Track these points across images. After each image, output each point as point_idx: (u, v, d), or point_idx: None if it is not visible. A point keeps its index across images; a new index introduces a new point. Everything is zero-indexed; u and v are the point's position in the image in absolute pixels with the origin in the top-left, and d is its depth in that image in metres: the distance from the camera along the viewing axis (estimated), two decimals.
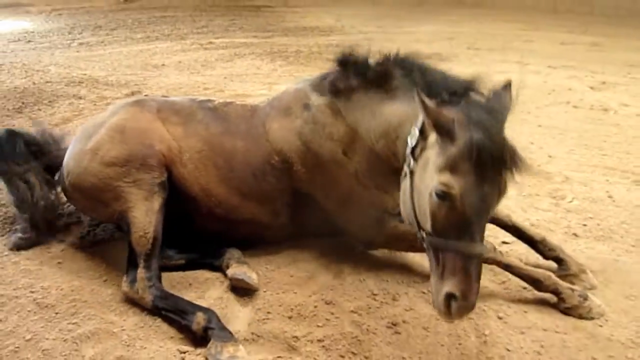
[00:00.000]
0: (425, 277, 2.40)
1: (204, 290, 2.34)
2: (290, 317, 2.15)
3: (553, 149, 4.03)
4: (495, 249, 2.30)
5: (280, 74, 6.41)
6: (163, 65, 7.03)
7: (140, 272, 2.23)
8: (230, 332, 2.00)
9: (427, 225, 1.81)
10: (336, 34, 9.49)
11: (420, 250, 2.35)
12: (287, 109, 2.52)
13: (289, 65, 6.90)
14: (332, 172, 2.39)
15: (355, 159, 2.35)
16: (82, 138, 2.57)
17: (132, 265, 2.28)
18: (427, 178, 1.80)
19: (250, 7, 13.88)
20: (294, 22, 10.99)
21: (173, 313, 2.12)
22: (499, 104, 1.84)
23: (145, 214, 2.31)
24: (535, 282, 2.23)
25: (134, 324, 2.13)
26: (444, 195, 1.71)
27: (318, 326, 2.09)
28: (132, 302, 2.24)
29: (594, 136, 4.31)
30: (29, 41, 8.57)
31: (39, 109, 4.98)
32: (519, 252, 2.58)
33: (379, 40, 8.82)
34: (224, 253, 2.46)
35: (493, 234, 2.63)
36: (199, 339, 2.02)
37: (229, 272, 2.34)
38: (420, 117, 1.88)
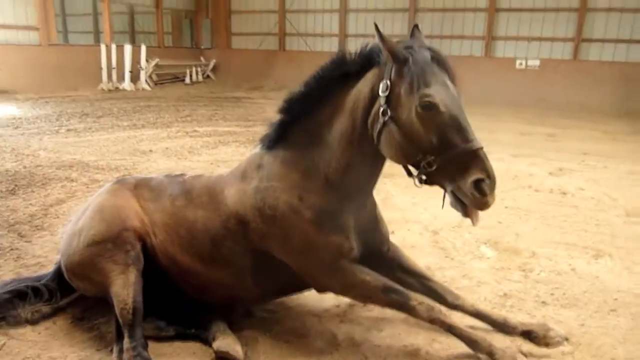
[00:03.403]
0: (414, 344, 2.61)
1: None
2: None
3: (519, 227, 4.42)
4: (438, 309, 2.41)
5: None
6: (150, 151, 7.35)
7: (126, 343, 2.36)
8: None
9: (433, 141, 2.09)
10: None
11: (378, 302, 2.51)
12: (243, 173, 2.67)
13: None
14: (288, 221, 2.47)
15: (310, 201, 2.46)
16: (74, 220, 2.78)
17: (119, 335, 2.43)
18: (408, 105, 2.12)
19: (231, 98, 14.70)
20: (273, 112, 11.62)
21: None
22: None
23: (123, 287, 2.44)
24: (473, 343, 2.39)
25: None
26: (429, 105, 2.07)
27: None
28: None
29: (555, 216, 4.74)
30: (17, 127, 8.84)
31: (32, 191, 5.15)
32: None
33: None
34: (211, 325, 2.59)
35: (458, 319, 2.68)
36: None
37: (215, 345, 2.47)
38: (387, 72, 2.20)
